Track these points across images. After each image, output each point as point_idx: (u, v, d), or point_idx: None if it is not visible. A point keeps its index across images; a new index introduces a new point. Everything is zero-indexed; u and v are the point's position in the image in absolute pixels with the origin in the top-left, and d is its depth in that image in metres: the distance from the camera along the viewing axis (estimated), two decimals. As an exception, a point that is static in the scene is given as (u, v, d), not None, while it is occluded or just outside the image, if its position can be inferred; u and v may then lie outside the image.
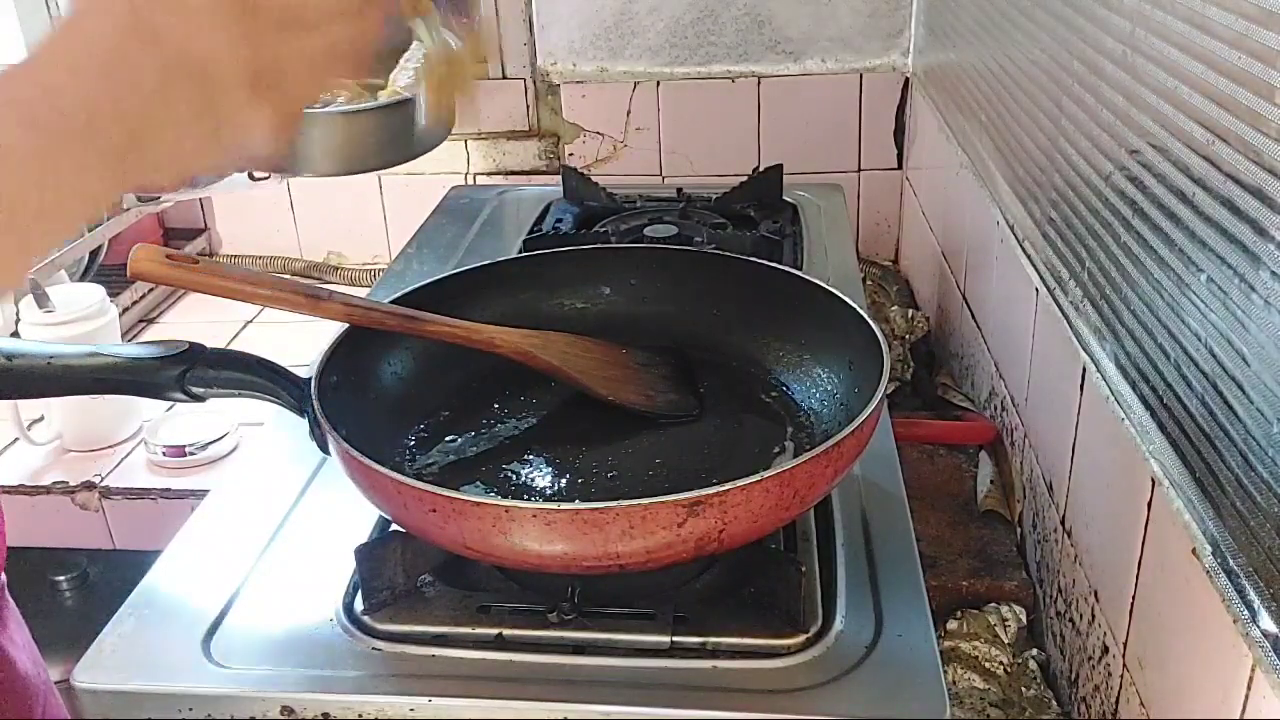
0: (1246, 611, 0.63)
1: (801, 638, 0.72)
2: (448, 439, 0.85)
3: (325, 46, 0.52)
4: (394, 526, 0.78)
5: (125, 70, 0.48)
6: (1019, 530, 1.15)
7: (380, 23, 0.54)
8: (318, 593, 0.78)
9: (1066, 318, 0.98)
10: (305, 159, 0.82)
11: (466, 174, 1.88)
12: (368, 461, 0.69)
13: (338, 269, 1.96)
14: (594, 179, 1.48)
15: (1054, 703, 0.98)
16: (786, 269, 0.97)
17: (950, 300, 1.49)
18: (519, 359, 0.86)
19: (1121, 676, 0.85)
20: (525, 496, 0.79)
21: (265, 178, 1.60)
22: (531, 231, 1.37)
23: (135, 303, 1.76)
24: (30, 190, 0.45)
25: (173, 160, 0.50)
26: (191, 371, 0.77)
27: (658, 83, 1.80)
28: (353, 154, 0.82)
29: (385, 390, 0.87)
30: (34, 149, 0.45)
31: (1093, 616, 0.92)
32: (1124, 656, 0.85)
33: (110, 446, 1.41)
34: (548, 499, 0.79)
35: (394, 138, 0.81)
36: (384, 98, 0.85)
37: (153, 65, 0.48)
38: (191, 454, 1.35)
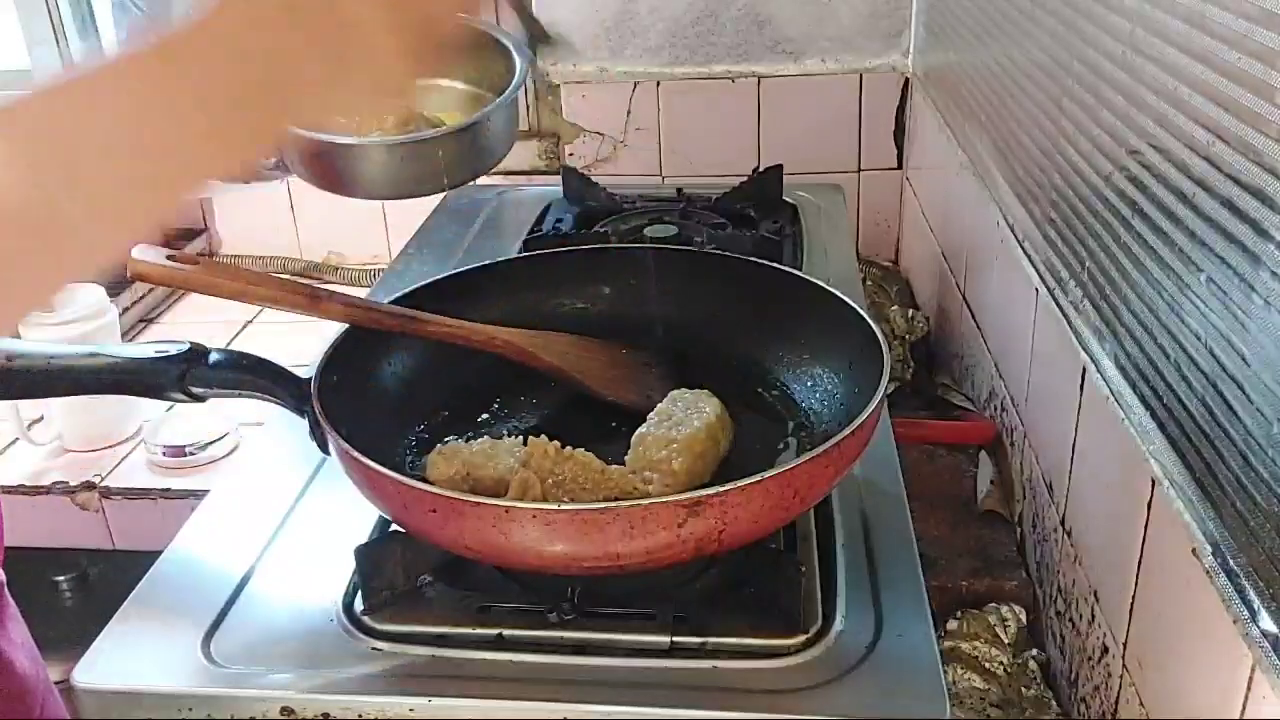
0: (1246, 611, 0.63)
1: (801, 638, 0.72)
2: (447, 439, 0.85)
3: None
4: (394, 526, 0.78)
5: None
6: (1019, 530, 1.15)
7: None
8: (318, 593, 0.78)
9: (1066, 318, 0.98)
10: (367, 184, 0.82)
11: (466, 174, 1.88)
12: (368, 461, 0.69)
13: (338, 269, 1.96)
14: (594, 179, 1.48)
15: (1054, 703, 0.98)
16: (786, 269, 0.97)
17: (950, 300, 1.49)
18: (519, 359, 0.86)
19: (1121, 676, 0.85)
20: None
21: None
22: (531, 231, 1.37)
23: (135, 303, 1.76)
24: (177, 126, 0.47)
25: (308, 96, 0.51)
26: (191, 371, 0.77)
27: (658, 83, 1.80)
28: (417, 177, 0.82)
29: (385, 390, 0.87)
30: (187, 91, 0.47)
31: (1093, 616, 0.92)
32: (1124, 656, 0.85)
33: (110, 446, 1.41)
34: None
35: (461, 159, 0.82)
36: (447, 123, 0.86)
37: None
38: (191, 454, 1.35)
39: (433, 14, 0.54)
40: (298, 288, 0.79)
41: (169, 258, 0.75)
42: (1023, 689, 0.99)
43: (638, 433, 0.79)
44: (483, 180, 1.98)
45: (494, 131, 0.84)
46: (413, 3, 0.52)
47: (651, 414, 0.81)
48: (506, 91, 0.85)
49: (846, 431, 0.70)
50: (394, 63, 0.52)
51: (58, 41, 1.93)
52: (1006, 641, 1.01)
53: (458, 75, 0.93)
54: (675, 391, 0.84)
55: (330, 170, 0.82)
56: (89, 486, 1.34)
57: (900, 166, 1.84)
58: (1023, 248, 1.12)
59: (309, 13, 0.50)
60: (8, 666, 0.73)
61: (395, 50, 0.52)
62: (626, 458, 0.78)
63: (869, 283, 1.69)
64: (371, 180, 0.82)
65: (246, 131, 0.51)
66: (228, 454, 1.37)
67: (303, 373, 0.80)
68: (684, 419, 0.79)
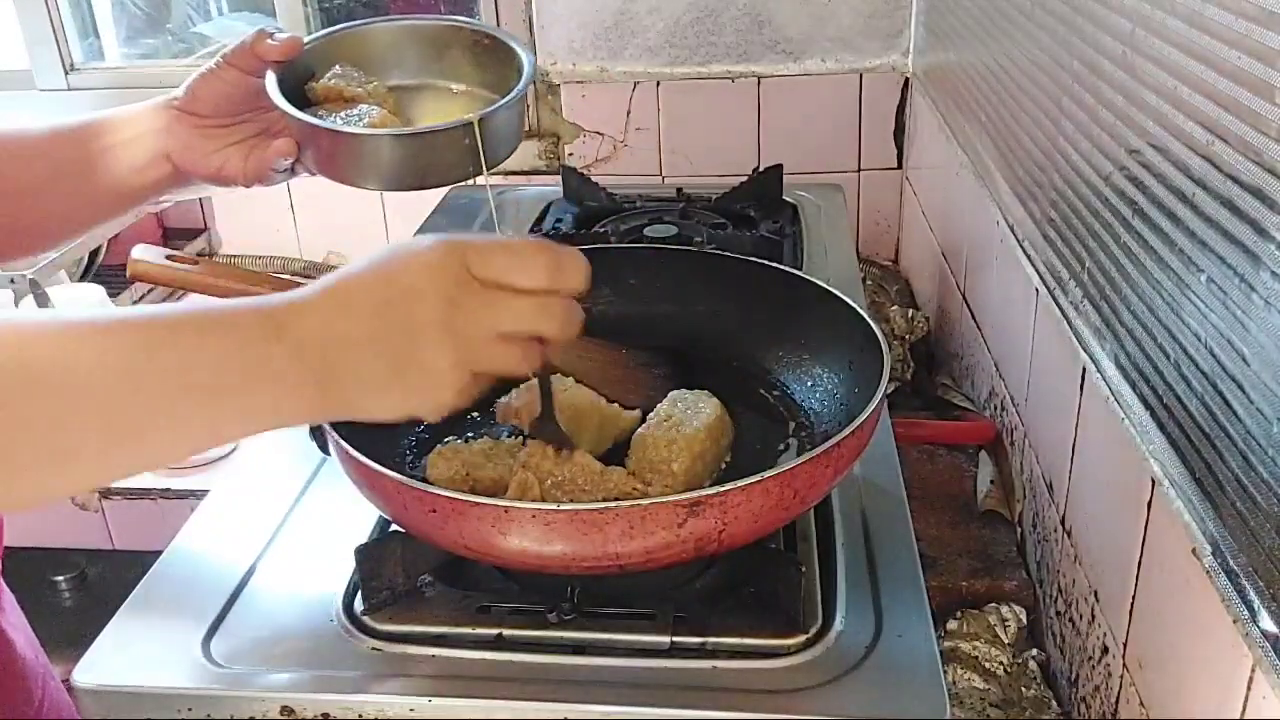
0: (1246, 611, 0.63)
1: (801, 638, 0.72)
2: (447, 439, 0.85)
3: (517, 327, 0.58)
4: (394, 526, 0.78)
5: (354, 304, 0.57)
6: (1019, 530, 1.15)
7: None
8: (318, 593, 0.78)
9: (1066, 318, 0.98)
10: (369, 174, 0.83)
11: (467, 174, 1.88)
12: (368, 461, 0.69)
13: (337, 269, 1.95)
14: (594, 179, 1.48)
15: (1054, 703, 0.98)
16: (786, 269, 0.97)
17: (950, 300, 1.49)
18: None
19: (1121, 676, 0.85)
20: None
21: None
22: (531, 231, 1.37)
23: (135, 302, 1.76)
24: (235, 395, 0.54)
25: (363, 395, 0.57)
26: (191, 371, 0.77)
27: (658, 83, 1.80)
28: (419, 171, 0.83)
29: (385, 390, 0.87)
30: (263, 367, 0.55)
31: (1093, 616, 0.92)
32: (1124, 656, 0.85)
33: (110, 446, 1.41)
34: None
35: (461, 156, 0.83)
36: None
37: (375, 303, 0.56)
38: (191, 454, 1.35)
39: (487, 366, 0.59)
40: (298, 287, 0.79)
41: (169, 258, 0.75)
42: (1023, 689, 0.99)
43: (637, 434, 0.79)
44: (483, 180, 1.98)
45: (506, 125, 0.85)
46: (480, 359, 0.58)
47: (651, 415, 0.81)
48: (517, 87, 0.85)
49: (846, 431, 0.70)
50: (446, 388, 0.57)
51: (58, 41, 1.94)
52: (1006, 641, 1.01)
53: (459, 78, 0.93)
54: (675, 392, 0.84)
55: (342, 161, 0.83)
56: (89, 486, 1.34)
57: (900, 166, 1.84)
58: (1023, 248, 1.12)
59: (390, 323, 0.56)
60: (8, 646, 0.73)
61: (450, 382, 0.57)
62: (626, 459, 0.78)
63: (869, 283, 1.69)
64: (385, 171, 0.83)
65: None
66: (228, 454, 1.37)
67: (303, 373, 0.79)
68: (684, 420, 0.79)
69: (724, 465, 0.82)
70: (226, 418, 0.55)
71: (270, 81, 0.82)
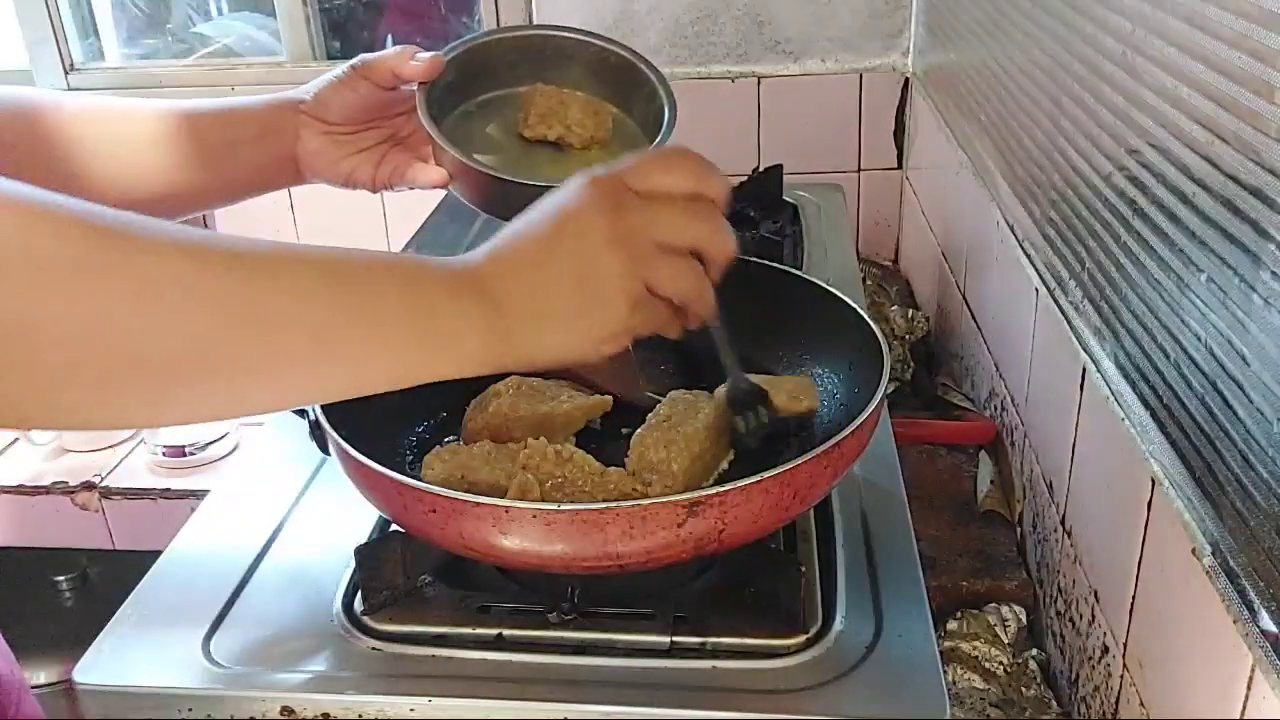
0: (1246, 611, 0.63)
1: (801, 638, 0.72)
2: (448, 439, 0.85)
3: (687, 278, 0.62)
4: (394, 526, 0.78)
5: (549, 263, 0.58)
6: (1019, 530, 1.15)
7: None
8: (318, 593, 0.78)
9: (1066, 318, 0.98)
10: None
11: (466, 174, 1.88)
12: (368, 462, 0.69)
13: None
14: (594, 179, 1.48)
15: (1054, 703, 0.98)
16: (787, 269, 0.97)
17: (950, 300, 1.49)
18: None
19: (1121, 676, 0.85)
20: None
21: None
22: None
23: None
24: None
25: (543, 330, 0.59)
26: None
27: (658, 83, 1.80)
28: None
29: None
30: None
31: (1093, 616, 0.92)
32: (1124, 656, 0.85)
33: (110, 446, 1.41)
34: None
35: None
36: None
37: (546, 237, 0.58)
38: (191, 454, 1.35)
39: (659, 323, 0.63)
40: None
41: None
42: (1023, 689, 0.98)
43: (637, 434, 0.79)
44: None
45: None
46: (649, 269, 0.60)
47: (650, 415, 0.81)
48: (664, 135, 0.87)
49: (846, 431, 0.70)
50: (621, 299, 0.60)
51: (58, 41, 1.94)
52: (1006, 641, 1.01)
53: (581, 85, 0.93)
54: (675, 393, 0.84)
55: (497, 202, 0.85)
56: (89, 486, 1.34)
57: (900, 166, 1.84)
58: (1023, 248, 1.12)
59: (562, 248, 0.59)
60: None
61: (625, 291, 0.60)
62: (626, 459, 0.78)
63: (869, 283, 1.69)
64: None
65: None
66: (228, 454, 1.37)
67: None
68: (683, 420, 0.79)
69: (725, 466, 0.82)
70: (408, 365, 0.56)
71: (422, 110, 0.83)
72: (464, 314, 0.56)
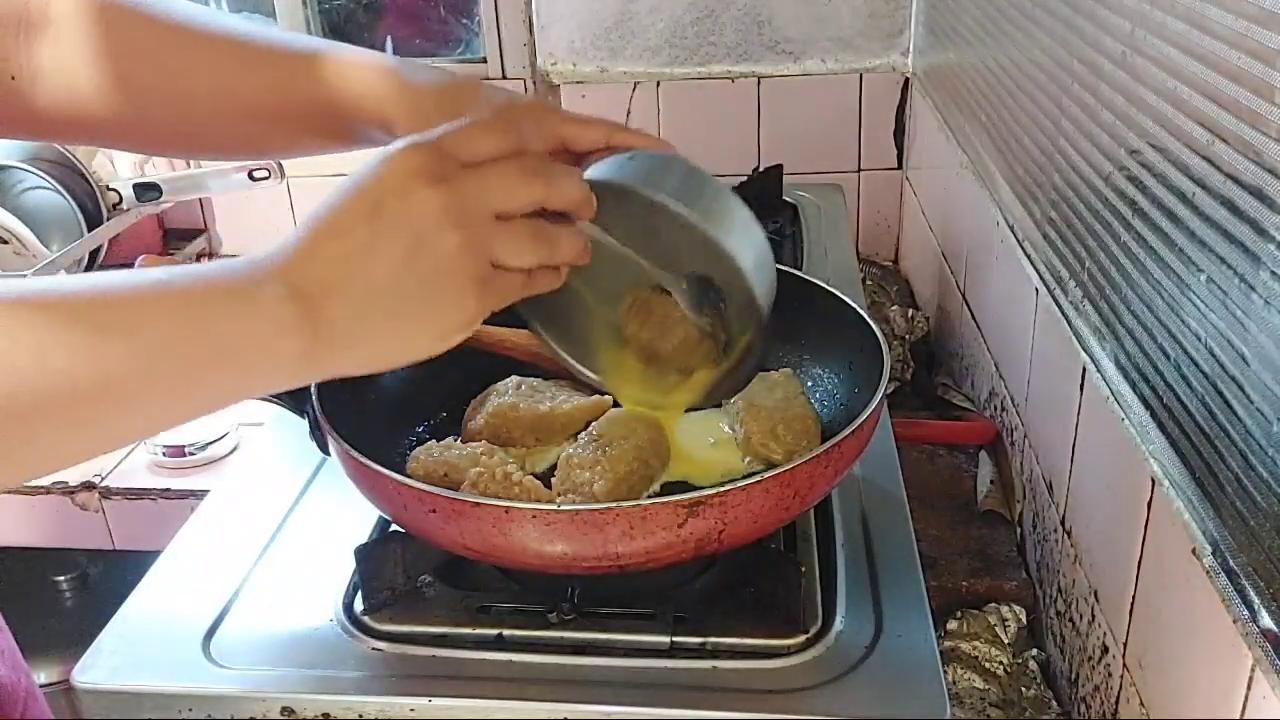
0: (1246, 611, 0.63)
1: (801, 638, 0.72)
2: (448, 439, 0.85)
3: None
4: (394, 526, 0.78)
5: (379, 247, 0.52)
6: (1019, 530, 1.15)
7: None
8: (318, 593, 0.78)
9: (1066, 318, 0.98)
10: None
11: (466, 174, 1.88)
12: (368, 462, 0.69)
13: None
14: (594, 179, 1.48)
15: (1054, 703, 0.98)
16: (786, 269, 0.96)
17: (950, 300, 1.49)
18: (530, 360, 0.86)
19: (1121, 676, 0.85)
20: (525, 496, 0.79)
21: (265, 177, 1.60)
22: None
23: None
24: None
25: (371, 329, 0.53)
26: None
27: (658, 83, 1.80)
28: None
29: (385, 390, 0.87)
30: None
31: (1093, 616, 0.92)
32: (1124, 656, 0.85)
33: (110, 446, 1.41)
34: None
35: None
36: None
37: (365, 213, 0.52)
38: (191, 454, 1.35)
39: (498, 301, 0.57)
40: None
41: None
42: (1023, 689, 0.98)
43: (564, 453, 0.78)
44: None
45: None
46: (489, 242, 0.55)
47: (583, 434, 0.80)
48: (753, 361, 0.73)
49: (846, 431, 0.70)
50: (463, 280, 0.54)
51: (58, 41, 1.93)
52: (1006, 641, 1.01)
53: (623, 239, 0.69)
54: (613, 411, 0.83)
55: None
56: (89, 486, 1.34)
57: (900, 166, 1.84)
58: (1023, 248, 1.12)
59: (385, 225, 0.53)
60: None
61: (466, 271, 0.54)
62: (553, 478, 0.78)
63: (869, 283, 1.69)
64: None
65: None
66: (228, 454, 1.37)
67: (303, 373, 0.79)
68: (612, 441, 0.78)
69: (657, 488, 0.79)
70: (219, 391, 0.51)
71: None
72: (268, 319, 0.50)
